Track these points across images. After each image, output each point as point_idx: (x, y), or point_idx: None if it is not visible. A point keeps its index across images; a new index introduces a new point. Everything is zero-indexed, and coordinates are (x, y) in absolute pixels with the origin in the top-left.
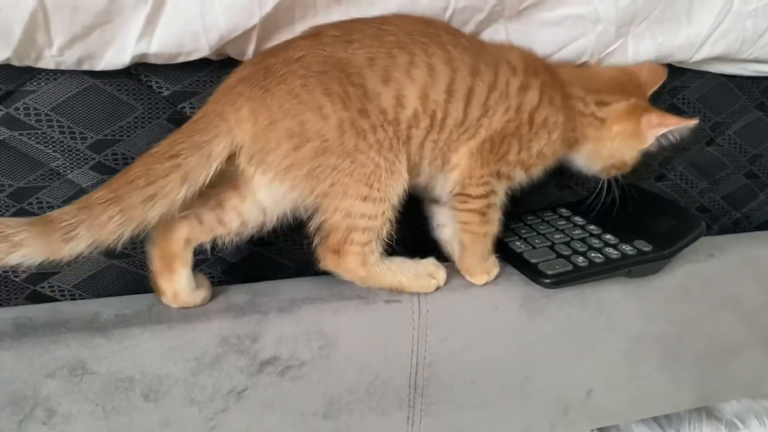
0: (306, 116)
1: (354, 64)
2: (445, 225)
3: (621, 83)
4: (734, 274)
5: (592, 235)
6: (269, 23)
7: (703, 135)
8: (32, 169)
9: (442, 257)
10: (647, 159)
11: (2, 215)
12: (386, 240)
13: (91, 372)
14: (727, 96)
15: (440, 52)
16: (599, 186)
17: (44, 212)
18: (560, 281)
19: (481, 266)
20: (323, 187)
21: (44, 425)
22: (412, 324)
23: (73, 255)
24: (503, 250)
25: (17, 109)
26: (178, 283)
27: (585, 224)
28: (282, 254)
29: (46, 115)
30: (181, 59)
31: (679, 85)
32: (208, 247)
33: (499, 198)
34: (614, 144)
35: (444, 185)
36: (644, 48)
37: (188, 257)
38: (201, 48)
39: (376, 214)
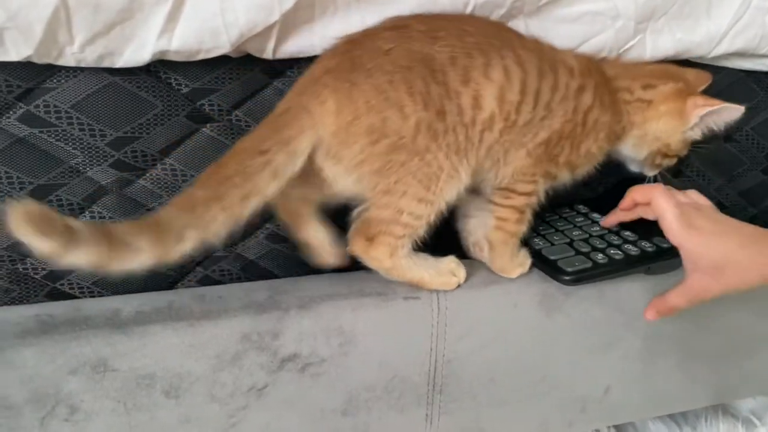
0: (388, 113)
1: (438, 61)
2: (472, 216)
3: (670, 72)
4: None
5: (610, 231)
6: (289, 20)
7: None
8: (52, 167)
9: (461, 255)
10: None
11: None
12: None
13: (112, 369)
14: (744, 91)
15: (512, 54)
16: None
17: (64, 210)
18: (580, 278)
19: (512, 263)
20: (387, 183)
21: (66, 422)
22: (431, 321)
23: (178, 257)
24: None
25: (37, 106)
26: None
27: None
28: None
29: (66, 112)
30: (200, 56)
31: None
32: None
33: (538, 200)
34: (659, 124)
35: (492, 180)
36: (663, 44)
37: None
38: (221, 45)
39: (423, 215)
